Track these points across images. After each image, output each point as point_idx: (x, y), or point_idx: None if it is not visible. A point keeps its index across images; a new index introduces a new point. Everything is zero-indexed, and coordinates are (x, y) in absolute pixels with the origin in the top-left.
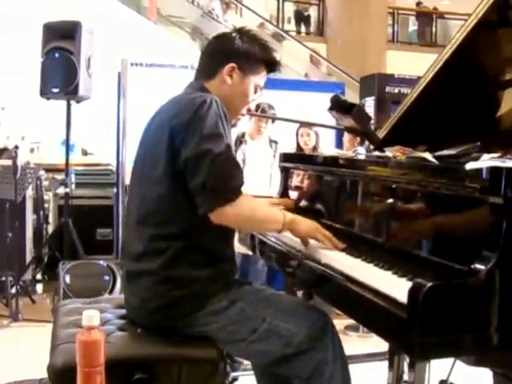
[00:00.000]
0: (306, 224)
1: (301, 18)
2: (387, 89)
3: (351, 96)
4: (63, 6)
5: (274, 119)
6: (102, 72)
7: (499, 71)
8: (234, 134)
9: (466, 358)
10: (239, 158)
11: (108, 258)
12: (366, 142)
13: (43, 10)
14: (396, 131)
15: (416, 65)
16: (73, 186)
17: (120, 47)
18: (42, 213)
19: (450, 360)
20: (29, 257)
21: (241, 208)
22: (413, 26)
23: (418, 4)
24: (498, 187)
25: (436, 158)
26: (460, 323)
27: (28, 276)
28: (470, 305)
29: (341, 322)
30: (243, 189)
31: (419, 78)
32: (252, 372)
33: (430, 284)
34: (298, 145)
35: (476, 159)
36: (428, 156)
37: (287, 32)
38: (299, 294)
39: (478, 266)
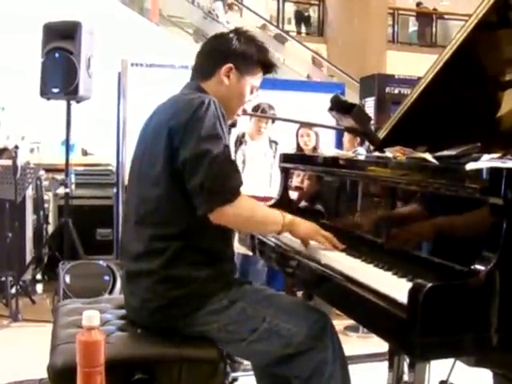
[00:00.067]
0: (305, 226)
1: (301, 18)
2: (387, 89)
3: (351, 96)
4: (63, 6)
5: (274, 119)
6: (103, 72)
7: (499, 72)
8: (234, 134)
9: (466, 359)
10: (239, 158)
11: (108, 258)
12: (366, 143)
13: (43, 10)
14: (396, 132)
15: (416, 65)
16: (73, 186)
17: (121, 48)
18: (41, 213)
19: (450, 360)
20: (29, 257)
21: (240, 208)
22: (413, 26)
23: (418, 4)
24: (499, 188)
25: (436, 158)
26: (460, 324)
27: (28, 276)
28: (470, 305)
29: (341, 323)
30: (242, 189)
31: (419, 78)
32: (252, 372)
33: (430, 285)
34: (298, 145)
35: (476, 160)
36: (428, 156)
37: (287, 32)
38: (299, 294)
39: (478, 266)
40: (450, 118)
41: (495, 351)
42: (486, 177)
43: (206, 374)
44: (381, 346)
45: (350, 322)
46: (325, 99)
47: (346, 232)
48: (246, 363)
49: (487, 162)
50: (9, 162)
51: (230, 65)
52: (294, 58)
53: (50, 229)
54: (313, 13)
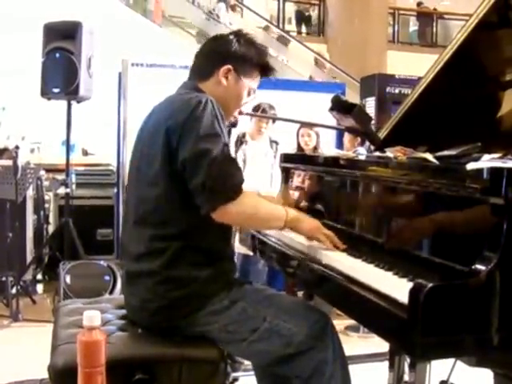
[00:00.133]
0: (308, 222)
1: (302, 18)
2: (388, 89)
3: (352, 96)
4: (64, 6)
5: (274, 119)
6: (103, 72)
7: (500, 72)
8: (234, 134)
9: (467, 359)
10: (240, 158)
11: (108, 258)
12: (367, 143)
13: (44, 10)
14: (397, 131)
15: (416, 65)
16: (73, 186)
17: (123, 48)
18: (42, 213)
19: (451, 360)
20: (29, 257)
21: (243, 206)
22: (413, 26)
23: (419, 4)
24: (499, 188)
25: (437, 158)
26: (461, 324)
27: (28, 276)
28: (471, 305)
29: (341, 323)
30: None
31: (420, 78)
32: (252, 372)
33: (430, 285)
34: (299, 145)
35: (477, 160)
36: (429, 156)
37: (288, 32)
38: (300, 294)
39: (478, 266)
40: (451, 117)
41: (496, 351)
42: (486, 177)
43: (206, 374)
44: (381, 345)
45: (351, 321)
46: (325, 99)
47: (346, 232)
48: (247, 363)
49: (488, 161)
50: (9, 162)
51: (229, 66)
52: (296, 59)
53: (51, 229)
54: (313, 13)
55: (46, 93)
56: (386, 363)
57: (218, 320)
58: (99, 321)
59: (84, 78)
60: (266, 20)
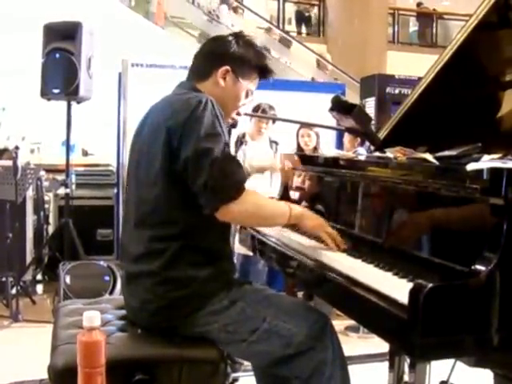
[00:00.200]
0: (312, 219)
1: (301, 18)
2: (388, 89)
3: (352, 97)
4: (64, 6)
5: (274, 120)
6: (103, 73)
7: (500, 72)
8: (234, 134)
9: (467, 359)
10: (240, 158)
11: (108, 258)
12: (367, 143)
13: (44, 10)
14: (397, 132)
15: (416, 65)
16: (73, 187)
17: (124, 49)
18: (42, 213)
19: (451, 361)
20: (29, 257)
21: (245, 204)
22: (413, 26)
23: (419, 5)
24: (499, 188)
25: (437, 158)
26: (461, 324)
27: (28, 276)
28: (471, 306)
29: (341, 323)
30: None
31: (420, 78)
32: (252, 373)
33: (430, 285)
34: (299, 145)
35: (477, 160)
36: (429, 157)
37: (288, 33)
38: (299, 294)
39: (478, 266)
40: (451, 118)
41: (496, 351)
42: (486, 177)
43: (206, 375)
44: (381, 346)
45: (351, 322)
46: (325, 99)
47: (346, 232)
48: (247, 364)
49: (488, 162)
50: (9, 163)
51: (227, 67)
52: (298, 61)
53: (51, 229)
54: (313, 13)
55: (45, 93)
56: (386, 363)
57: (218, 320)
58: (99, 321)
59: (84, 78)
60: (268, 22)
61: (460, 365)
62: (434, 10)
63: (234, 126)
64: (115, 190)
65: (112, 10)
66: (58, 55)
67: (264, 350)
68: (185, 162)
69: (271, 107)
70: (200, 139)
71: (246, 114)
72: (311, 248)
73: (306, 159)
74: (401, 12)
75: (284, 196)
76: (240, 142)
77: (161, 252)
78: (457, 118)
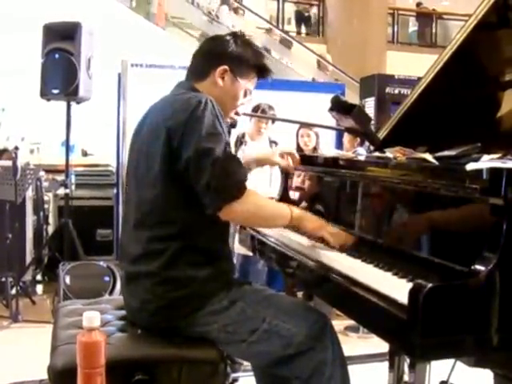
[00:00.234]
0: (312, 220)
1: (301, 18)
2: (387, 89)
3: (351, 97)
4: (63, 6)
5: (274, 120)
6: (103, 73)
7: (499, 72)
8: (234, 134)
9: (467, 359)
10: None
11: (108, 258)
12: (366, 143)
13: (43, 10)
14: (396, 132)
15: (416, 65)
16: (73, 187)
17: (124, 49)
18: (42, 214)
19: (451, 361)
20: (29, 258)
21: (247, 204)
22: (413, 26)
23: (418, 5)
24: (499, 188)
25: (436, 158)
26: (460, 324)
27: (28, 277)
28: (471, 306)
29: (341, 323)
30: None
31: (419, 78)
32: (252, 373)
33: (430, 285)
34: (298, 145)
35: (476, 160)
36: (428, 157)
37: (287, 33)
38: (299, 294)
39: (478, 266)
40: (450, 118)
41: (496, 351)
42: (486, 177)
43: (206, 375)
44: (381, 346)
45: (351, 322)
46: (325, 99)
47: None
48: (246, 364)
49: (487, 162)
50: (9, 163)
51: (225, 67)
52: (299, 61)
53: (50, 229)
54: (313, 13)
55: (45, 94)
56: (386, 363)
57: (218, 320)
58: (99, 322)
59: (83, 78)
60: (269, 23)
61: (460, 365)
62: (434, 9)
63: (233, 126)
64: (115, 191)
65: (112, 11)
66: (57, 55)
67: (264, 351)
68: (186, 162)
69: (271, 107)
70: (201, 139)
71: (245, 114)
72: (311, 248)
73: (306, 159)
74: (400, 12)
75: (283, 196)
76: (240, 142)
77: (160, 252)
78: (456, 118)
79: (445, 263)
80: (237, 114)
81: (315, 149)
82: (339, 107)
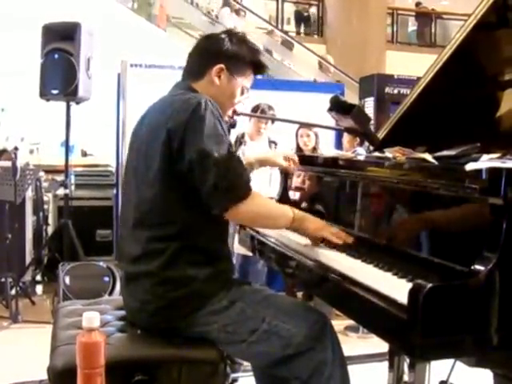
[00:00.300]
0: (314, 221)
1: (300, 18)
2: (387, 89)
3: (351, 97)
4: (63, 7)
5: (273, 120)
6: (102, 73)
7: (499, 72)
8: (233, 134)
9: (467, 359)
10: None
11: (108, 259)
12: (366, 143)
13: (43, 10)
14: (396, 132)
15: (415, 65)
16: (72, 187)
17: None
18: (41, 214)
19: (451, 361)
20: (28, 258)
21: (253, 205)
22: (412, 26)
23: (418, 4)
24: (498, 188)
25: (436, 158)
26: (460, 324)
27: (28, 277)
28: (471, 306)
29: (341, 323)
30: None
31: (419, 78)
32: (252, 373)
33: (430, 285)
34: (298, 146)
35: (476, 160)
36: (428, 157)
37: (287, 33)
38: (299, 295)
39: (478, 266)
40: (450, 118)
41: (495, 351)
42: (485, 177)
43: (206, 375)
44: (381, 346)
45: (350, 322)
46: (325, 99)
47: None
48: (246, 364)
49: (487, 162)
50: (8, 164)
51: (222, 65)
52: (301, 63)
53: (50, 230)
54: (312, 13)
55: (44, 94)
56: (386, 363)
57: (217, 320)
58: (98, 322)
59: (83, 79)
60: (271, 24)
61: (460, 365)
62: (433, 9)
63: (233, 126)
64: (114, 191)
65: (112, 11)
66: (56, 56)
67: (263, 351)
68: (190, 163)
69: (270, 107)
70: (204, 140)
71: (245, 115)
72: (310, 248)
73: (305, 159)
74: (400, 12)
75: (283, 196)
76: (239, 142)
77: (159, 252)
78: (456, 117)
79: (444, 263)
80: (236, 113)
81: (315, 149)
82: (338, 107)
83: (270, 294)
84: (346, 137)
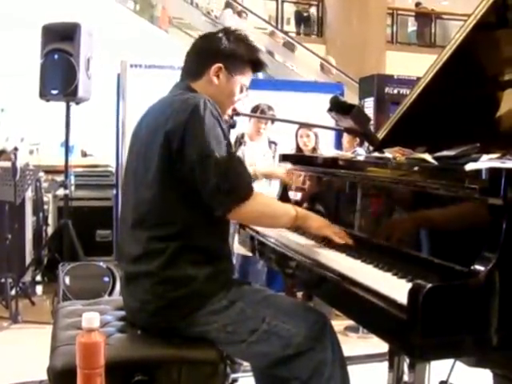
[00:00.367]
0: (316, 220)
1: (300, 18)
2: (386, 89)
3: (350, 97)
4: (63, 7)
5: (273, 120)
6: (102, 73)
7: (498, 72)
8: (233, 134)
9: (466, 359)
10: None
11: (107, 259)
12: (366, 143)
13: (43, 11)
14: (395, 132)
15: (415, 65)
16: (72, 188)
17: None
18: (41, 214)
19: (450, 361)
20: (28, 258)
21: (255, 205)
22: (412, 26)
23: (417, 5)
24: (498, 188)
25: (435, 158)
26: (460, 324)
27: (28, 278)
28: (470, 306)
29: (341, 323)
30: None
31: (418, 78)
32: (252, 373)
33: (429, 285)
34: (298, 146)
35: (475, 160)
36: (427, 157)
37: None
38: (299, 295)
39: (477, 266)
40: (450, 118)
41: (495, 351)
42: (485, 177)
43: (205, 375)
44: (381, 346)
45: (350, 322)
46: (324, 100)
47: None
48: (246, 364)
49: (486, 162)
50: (8, 164)
51: (220, 64)
52: (303, 64)
53: (50, 230)
54: (311, 13)
55: (44, 94)
56: (386, 364)
57: (217, 320)
58: (98, 322)
59: (83, 79)
60: (271, 24)
61: (460, 365)
62: (433, 10)
63: (232, 126)
64: (114, 191)
65: (112, 11)
66: (56, 56)
67: (263, 351)
68: (191, 164)
69: (270, 108)
70: (203, 141)
71: (245, 115)
72: (310, 248)
73: (305, 160)
74: (399, 12)
75: (283, 196)
76: (239, 142)
77: (159, 252)
78: (455, 117)
79: (444, 263)
80: (234, 110)
81: (314, 149)
82: (338, 107)
83: (270, 294)
84: (345, 137)
